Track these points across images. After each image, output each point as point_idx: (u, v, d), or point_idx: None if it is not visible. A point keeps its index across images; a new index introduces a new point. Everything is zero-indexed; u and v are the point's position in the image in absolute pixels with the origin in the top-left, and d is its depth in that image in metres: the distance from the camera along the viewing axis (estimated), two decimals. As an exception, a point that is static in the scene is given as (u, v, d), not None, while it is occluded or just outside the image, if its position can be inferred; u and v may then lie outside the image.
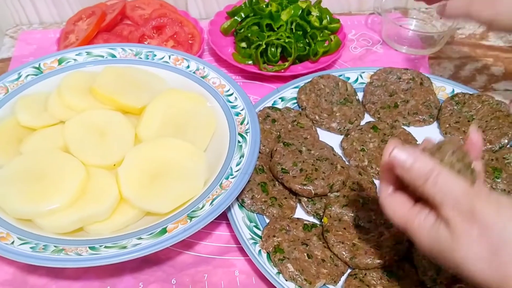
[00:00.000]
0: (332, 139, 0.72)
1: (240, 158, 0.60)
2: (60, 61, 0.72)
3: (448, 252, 0.40)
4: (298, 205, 0.63)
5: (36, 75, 0.70)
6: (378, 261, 0.55)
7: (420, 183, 0.41)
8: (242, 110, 0.66)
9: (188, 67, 0.72)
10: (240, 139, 0.62)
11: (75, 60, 0.72)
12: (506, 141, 0.70)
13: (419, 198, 0.44)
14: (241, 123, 0.64)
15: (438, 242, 0.41)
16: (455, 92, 0.78)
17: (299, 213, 0.63)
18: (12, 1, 0.93)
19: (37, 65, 0.71)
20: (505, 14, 0.61)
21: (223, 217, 0.60)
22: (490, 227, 0.38)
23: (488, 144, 0.70)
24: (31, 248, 0.50)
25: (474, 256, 0.39)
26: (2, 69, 0.85)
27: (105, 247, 0.50)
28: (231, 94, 0.68)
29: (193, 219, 0.52)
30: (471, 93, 0.77)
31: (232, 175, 0.58)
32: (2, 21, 0.95)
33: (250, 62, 0.84)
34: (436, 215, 0.42)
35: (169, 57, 0.73)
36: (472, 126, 0.46)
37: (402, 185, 0.45)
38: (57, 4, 0.94)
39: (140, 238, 0.51)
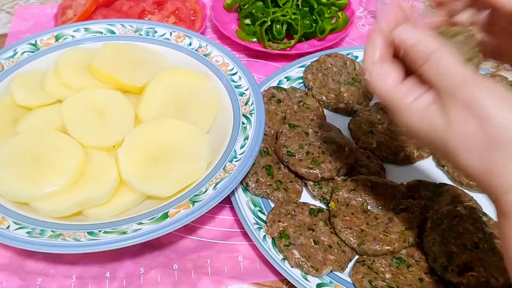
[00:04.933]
0: (339, 121, 0.69)
1: (244, 140, 0.57)
2: (57, 38, 0.69)
3: (439, 139, 0.38)
4: (304, 189, 0.61)
5: (32, 52, 0.67)
6: (387, 247, 0.53)
7: (421, 63, 0.38)
8: (246, 90, 0.63)
9: (190, 44, 0.69)
10: (245, 120, 0.60)
11: (73, 36, 0.69)
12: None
13: (410, 71, 0.41)
14: (246, 104, 0.62)
15: (430, 127, 0.38)
16: (468, 72, 0.75)
17: (305, 197, 0.61)
18: (8, -25, 0.90)
19: (33, 42, 0.68)
20: None
21: (227, 201, 0.58)
22: (489, 119, 0.35)
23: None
24: (27, 233, 0.48)
25: (467, 148, 0.37)
26: (-2, 45, 0.83)
27: (105, 232, 0.48)
28: (235, 73, 0.65)
29: (195, 203, 0.50)
30: (483, 73, 0.74)
31: (236, 158, 0.55)
32: (-2, -5, 0.92)
33: (255, 39, 0.81)
34: (432, 98, 0.39)
35: (171, 33, 0.70)
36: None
37: (390, 54, 0.42)
38: (54, -23, 0.91)
39: (140, 223, 0.49)
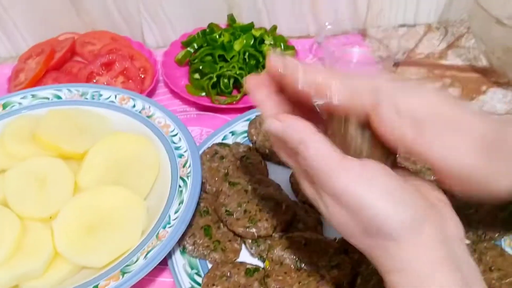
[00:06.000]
0: (282, 173, 0.71)
1: (179, 204, 0.59)
2: (4, 106, 0.71)
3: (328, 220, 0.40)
4: (244, 246, 0.63)
5: (-20, 121, 0.69)
6: (317, 307, 0.54)
7: (294, 153, 0.39)
8: (185, 151, 0.65)
9: (134, 106, 0.72)
10: (181, 183, 0.62)
11: (20, 104, 0.71)
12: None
13: None
14: (184, 166, 0.64)
15: (319, 208, 0.40)
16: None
17: (245, 254, 0.62)
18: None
19: (-19, 112, 0.70)
20: None
21: (167, 262, 0.60)
22: (359, 211, 0.36)
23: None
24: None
25: (348, 234, 0.38)
26: (-46, 109, 0.84)
27: (35, 308, 0.50)
28: (176, 135, 0.68)
29: (125, 274, 0.52)
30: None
31: (169, 223, 0.57)
32: (-45, 57, 0.94)
33: (204, 93, 0.83)
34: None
35: (115, 96, 0.73)
36: None
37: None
38: (11, 37, 0.93)
39: (70, 298, 0.51)
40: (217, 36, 0.86)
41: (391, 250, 0.36)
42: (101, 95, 0.73)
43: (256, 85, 0.45)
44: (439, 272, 0.35)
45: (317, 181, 0.38)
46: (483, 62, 0.93)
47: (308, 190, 0.41)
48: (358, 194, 0.35)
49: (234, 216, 0.62)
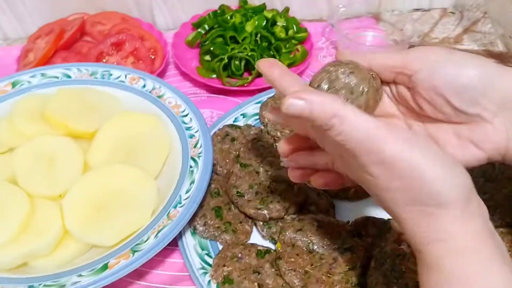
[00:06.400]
0: (294, 156, 0.70)
1: (190, 184, 0.58)
2: (13, 84, 0.70)
3: (376, 192, 0.38)
4: (255, 228, 0.62)
5: (-12, 100, 0.69)
6: (330, 289, 0.53)
7: (326, 133, 0.35)
8: (196, 132, 0.64)
9: (144, 86, 0.71)
10: (192, 163, 0.61)
11: (29, 82, 0.71)
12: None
13: None
14: (195, 146, 0.63)
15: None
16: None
17: (256, 236, 0.62)
18: (-26, 18, 0.91)
19: (-11, 90, 0.69)
20: None
21: (177, 243, 0.59)
22: (414, 174, 0.34)
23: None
24: (-32, 288, 0.49)
25: (390, 203, 0.36)
26: (-37, 89, 0.84)
27: (44, 286, 0.49)
28: (186, 115, 0.66)
29: (136, 253, 0.51)
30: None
31: (180, 203, 0.56)
32: (-35, 38, 0.93)
33: (215, 76, 0.82)
34: None
35: (125, 76, 0.72)
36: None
37: None
38: (20, 19, 0.93)
39: (80, 276, 0.50)
40: (229, 18, 0.85)
41: (438, 218, 0.35)
42: (111, 75, 0.72)
43: (269, 65, 0.41)
44: (483, 245, 0.35)
45: (358, 152, 0.35)
46: (499, 47, 0.91)
47: (341, 169, 0.41)
48: (413, 160, 0.34)
49: (246, 197, 0.61)
